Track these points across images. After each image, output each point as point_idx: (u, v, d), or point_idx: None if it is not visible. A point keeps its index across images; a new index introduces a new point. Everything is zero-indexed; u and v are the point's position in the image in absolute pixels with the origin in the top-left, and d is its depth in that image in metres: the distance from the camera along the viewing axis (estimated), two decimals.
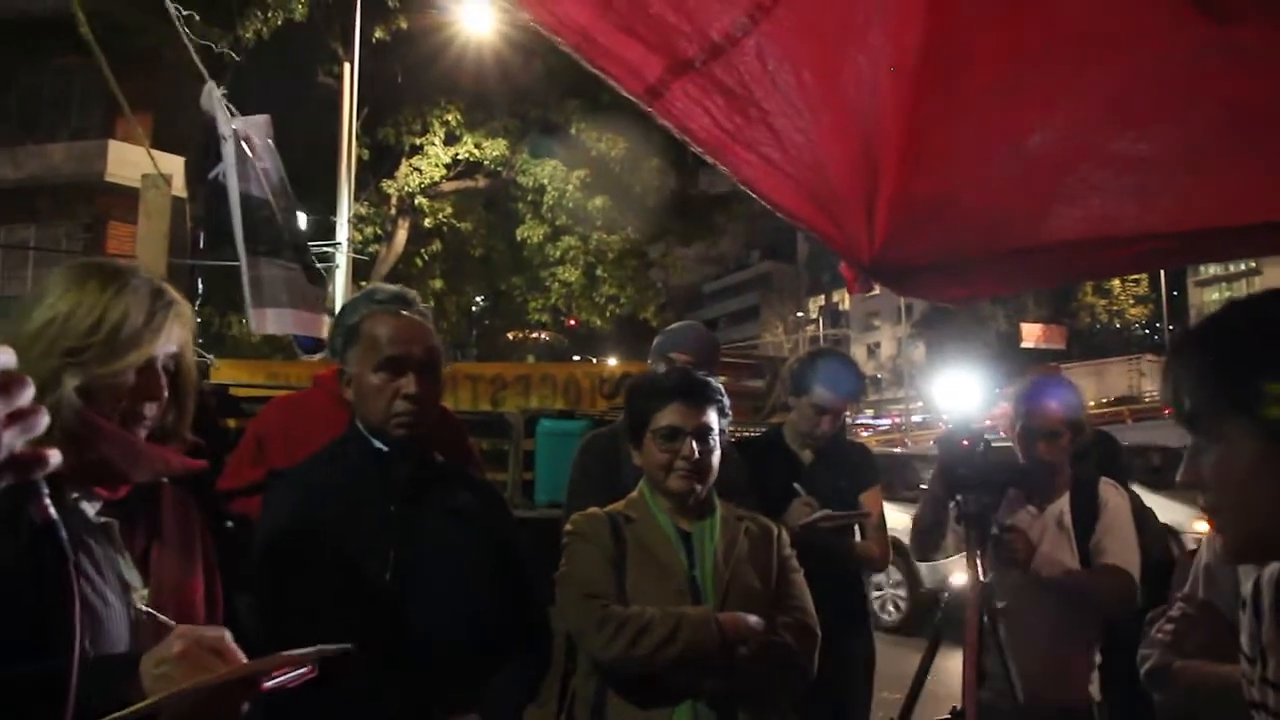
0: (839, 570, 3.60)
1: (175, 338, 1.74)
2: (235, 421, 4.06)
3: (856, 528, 3.82)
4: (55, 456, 0.96)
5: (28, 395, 0.95)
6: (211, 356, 8.81)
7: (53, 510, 1.02)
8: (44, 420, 0.95)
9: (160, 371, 1.71)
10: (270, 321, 7.57)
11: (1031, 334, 48.53)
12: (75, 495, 1.64)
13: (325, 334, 8.29)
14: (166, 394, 1.72)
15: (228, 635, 1.50)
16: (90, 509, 1.65)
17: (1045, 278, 3.94)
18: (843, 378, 3.74)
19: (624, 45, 1.95)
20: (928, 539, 3.48)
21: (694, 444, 2.61)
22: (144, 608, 1.63)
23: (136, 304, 1.68)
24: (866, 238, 2.76)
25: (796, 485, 3.55)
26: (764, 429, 5.34)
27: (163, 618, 1.61)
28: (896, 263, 2.90)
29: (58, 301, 1.64)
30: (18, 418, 0.93)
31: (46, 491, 1.01)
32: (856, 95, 2.21)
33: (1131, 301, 50.88)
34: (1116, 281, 47.18)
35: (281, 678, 1.45)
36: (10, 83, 21.87)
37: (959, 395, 3.26)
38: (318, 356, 8.21)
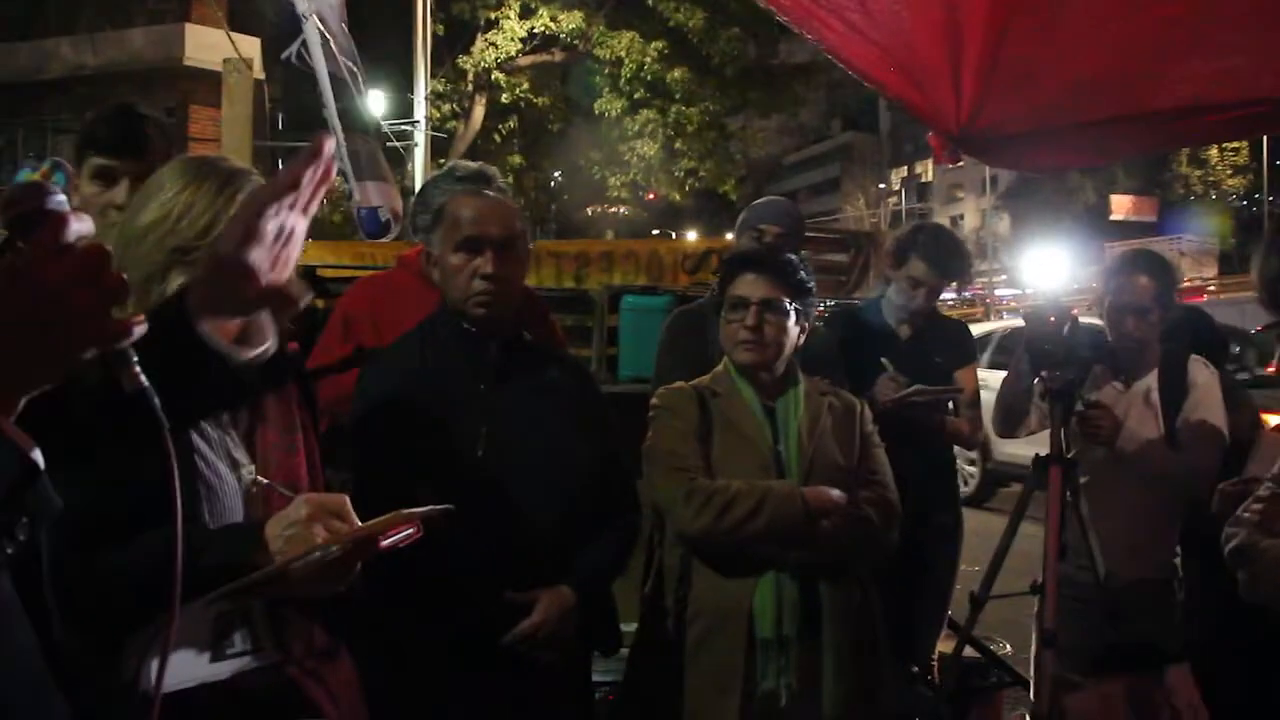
0: (929, 445, 3.59)
1: None
2: (324, 302, 4.13)
3: (950, 403, 3.78)
4: (141, 325, 0.97)
5: (107, 263, 0.95)
6: None
7: (144, 378, 1.02)
8: (125, 290, 0.96)
9: None
10: (372, 194, 7.70)
11: (1121, 206, 46.81)
12: None
13: (400, 206, 8.41)
14: None
15: (348, 500, 1.58)
16: None
17: (1141, 144, 3.79)
18: (944, 255, 3.67)
19: None
20: (1011, 414, 3.45)
21: (760, 314, 2.60)
22: (260, 479, 1.70)
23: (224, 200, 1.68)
24: (954, 106, 2.68)
25: (885, 360, 3.51)
26: (846, 303, 5.28)
27: (280, 488, 1.68)
28: (985, 131, 2.83)
29: (173, 199, 1.66)
30: (100, 285, 0.94)
31: (136, 359, 1.01)
32: None
33: (1229, 172, 48.54)
34: (1214, 150, 44.96)
35: (395, 537, 1.52)
36: None
37: (1046, 270, 3.19)
38: (389, 238, 8.28)
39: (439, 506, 1.58)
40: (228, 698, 1.57)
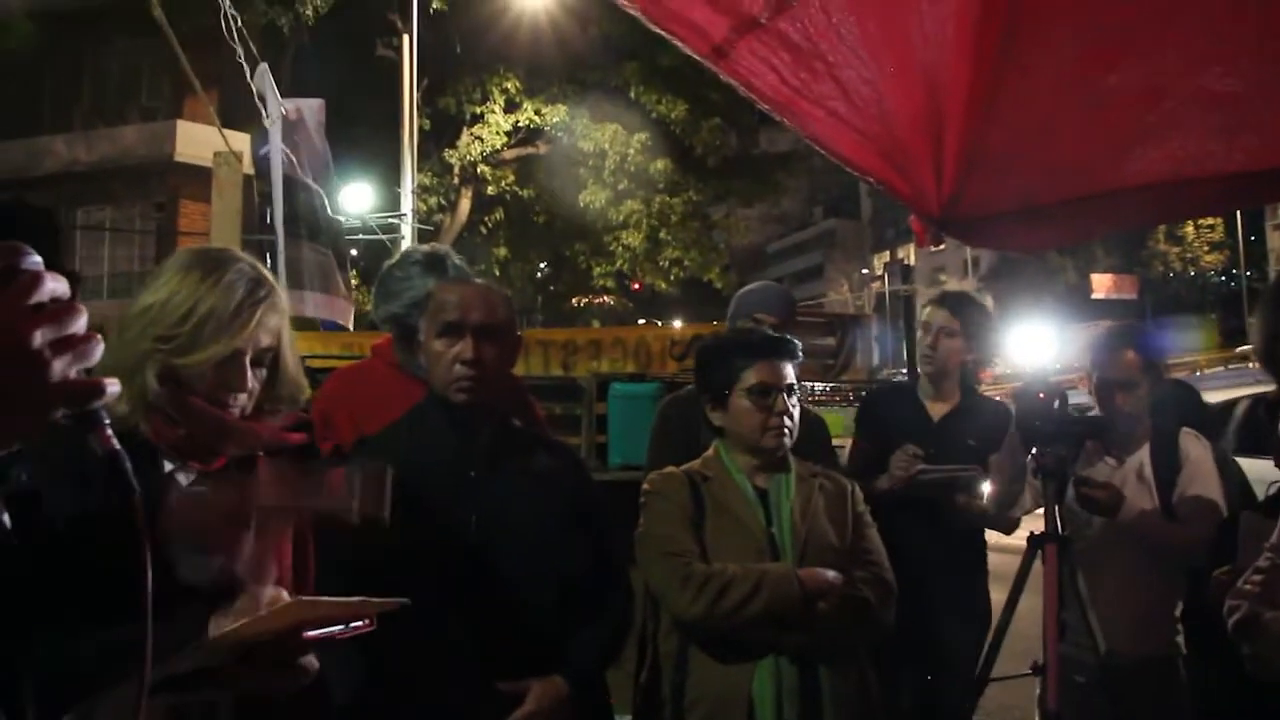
0: (951, 524, 3.53)
1: (269, 329, 1.79)
2: (312, 392, 4.14)
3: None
4: (113, 386, 0.96)
5: (80, 323, 0.94)
6: None
7: (115, 441, 0.99)
8: (98, 349, 0.95)
9: (245, 365, 1.76)
10: (311, 304, 7.73)
11: (1102, 284, 47.41)
12: (171, 467, 1.72)
13: (349, 322, 8.47)
14: (254, 384, 1.78)
15: (284, 592, 1.56)
16: (184, 479, 1.72)
17: (1121, 222, 3.85)
18: (958, 301, 3.79)
19: (689, 6, 1.95)
20: (1008, 494, 3.44)
21: (785, 400, 2.64)
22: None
23: (227, 296, 1.73)
24: (935, 189, 2.72)
25: (909, 446, 3.51)
26: (834, 387, 5.31)
27: (259, 587, 1.64)
28: (966, 213, 2.87)
29: (162, 287, 1.72)
30: (70, 345, 0.93)
31: (108, 421, 0.99)
32: (923, 46, 2.18)
33: (1206, 248, 49.28)
34: (1190, 228, 45.74)
35: (330, 629, 1.49)
36: (80, 68, 22.37)
37: (1032, 348, 3.22)
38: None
39: (393, 600, 1.55)
40: None
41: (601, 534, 2.47)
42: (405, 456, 2.35)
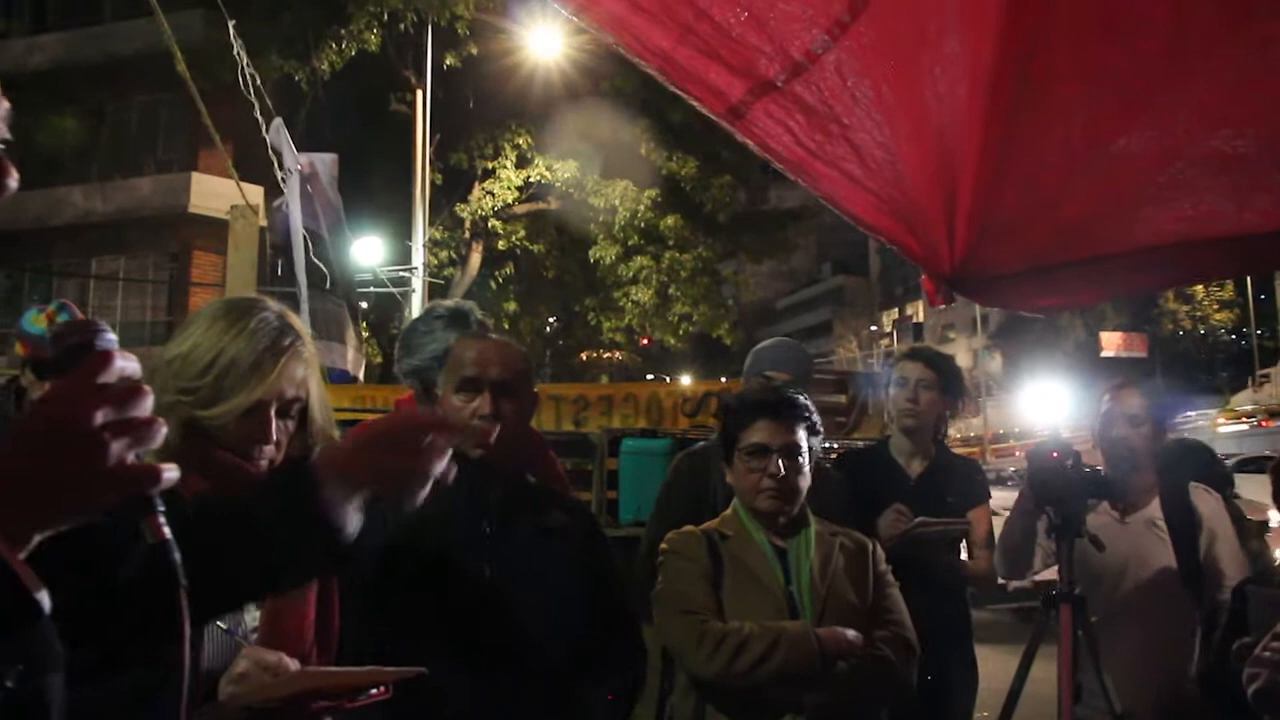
0: (939, 584, 3.50)
1: (294, 379, 1.76)
2: None
3: (964, 543, 3.73)
4: (172, 472, 0.94)
5: (145, 406, 0.93)
6: None
7: (167, 530, 0.96)
8: (160, 433, 0.93)
9: (269, 416, 1.73)
10: (324, 353, 7.78)
11: (1111, 342, 47.35)
12: None
13: (360, 372, 8.53)
14: (281, 437, 1.75)
15: (284, 657, 1.55)
16: None
17: (1133, 284, 3.87)
18: (930, 354, 3.82)
19: (706, 68, 1.98)
20: (1018, 555, 3.40)
21: (781, 462, 2.60)
22: (245, 639, 1.68)
23: (250, 346, 1.71)
24: (948, 249, 2.74)
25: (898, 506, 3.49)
26: (848, 444, 5.29)
27: (262, 651, 1.62)
28: (978, 273, 2.88)
29: (187, 338, 1.71)
30: (131, 428, 0.92)
31: (162, 509, 0.96)
32: (936, 108, 2.21)
33: (1216, 307, 49.34)
34: (1200, 286, 45.81)
35: (340, 699, 1.49)
36: (100, 121, 22.71)
37: (1043, 406, 3.22)
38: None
39: (409, 669, 1.54)
40: None
41: (614, 591, 2.46)
42: (419, 510, 2.35)
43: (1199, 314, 49.44)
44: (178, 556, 0.98)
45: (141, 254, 22.71)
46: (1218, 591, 3.18)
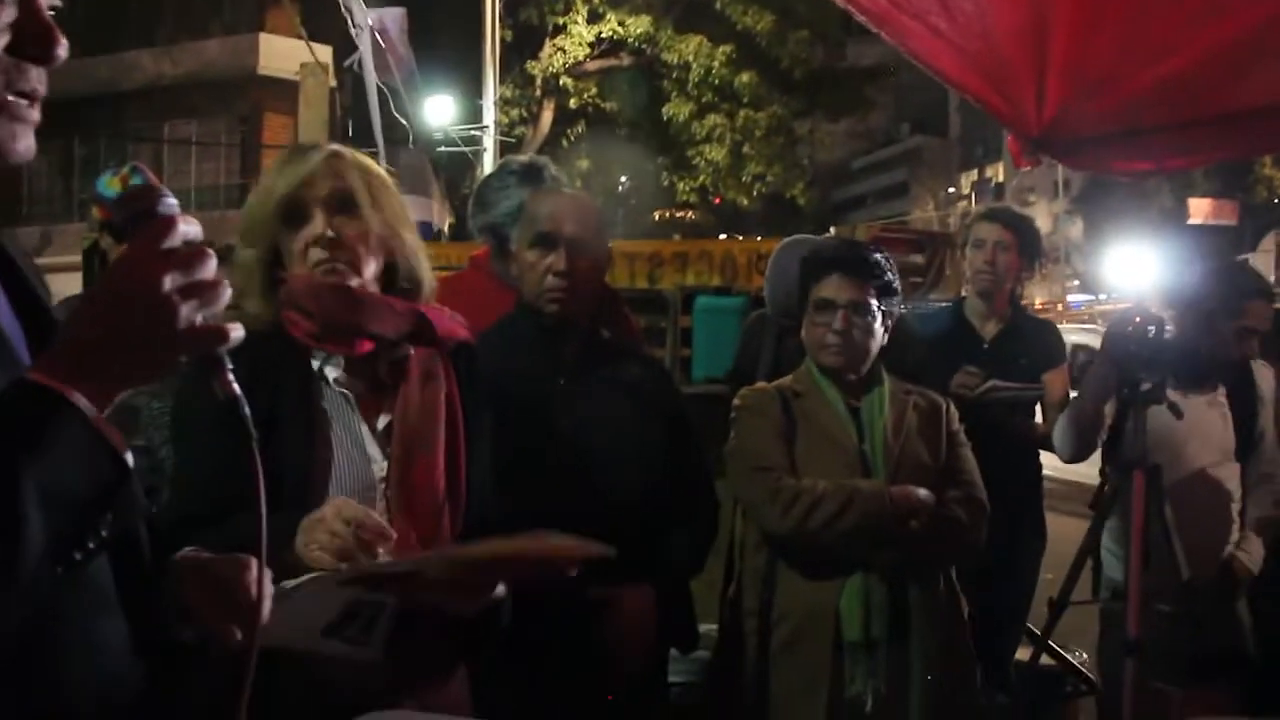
0: (1012, 446, 3.47)
1: (337, 171, 1.72)
2: None
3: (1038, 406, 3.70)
4: (238, 331, 0.98)
5: (209, 268, 0.96)
6: None
7: (235, 386, 1.00)
8: (225, 294, 0.97)
9: (309, 205, 1.70)
10: (413, 209, 7.83)
11: (1200, 209, 45.49)
12: (318, 362, 1.74)
13: (445, 224, 8.54)
14: (333, 232, 1.70)
15: (372, 513, 1.56)
16: (332, 372, 1.74)
17: (1227, 149, 3.71)
18: (1007, 213, 3.71)
19: None
20: (1086, 435, 3.28)
21: (847, 317, 2.55)
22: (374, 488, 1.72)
23: (300, 165, 1.72)
24: (1035, 109, 2.66)
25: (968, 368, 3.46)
26: (926, 304, 5.22)
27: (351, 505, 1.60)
28: (1066, 134, 2.80)
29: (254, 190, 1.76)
30: (198, 290, 0.95)
31: (230, 367, 1.00)
32: None
33: None
34: None
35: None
36: None
37: (1129, 272, 3.15)
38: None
39: (593, 546, 1.57)
40: (305, 673, 1.53)
41: (688, 444, 2.50)
42: (495, 364, 2.40)
43: None
44: (248, 411, 1.02)
45: (213, 117, 22.74)
46: (1263, 463, 3.24)
